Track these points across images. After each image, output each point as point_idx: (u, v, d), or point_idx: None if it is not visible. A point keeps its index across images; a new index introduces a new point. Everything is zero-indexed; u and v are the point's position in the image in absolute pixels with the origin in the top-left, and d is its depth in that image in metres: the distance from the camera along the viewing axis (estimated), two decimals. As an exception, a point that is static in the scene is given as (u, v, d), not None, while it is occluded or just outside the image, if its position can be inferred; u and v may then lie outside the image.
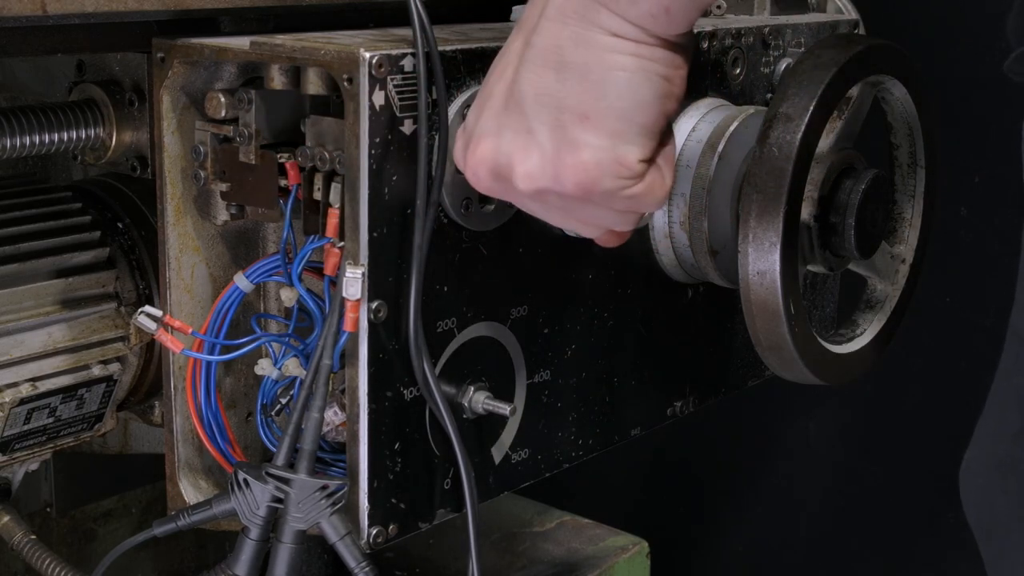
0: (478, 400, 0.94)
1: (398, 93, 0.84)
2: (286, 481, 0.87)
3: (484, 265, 0.93)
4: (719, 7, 1.16)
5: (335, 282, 0.87)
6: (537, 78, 0.75)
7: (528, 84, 0.75)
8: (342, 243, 0.87)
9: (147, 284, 1.04)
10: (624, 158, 0.75)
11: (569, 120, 0.74)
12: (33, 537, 1.06)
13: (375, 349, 0.87)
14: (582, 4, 0.73)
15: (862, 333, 1.08)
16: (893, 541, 1.67)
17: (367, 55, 0.82)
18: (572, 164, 0.75)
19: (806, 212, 0.98)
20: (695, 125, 1.03)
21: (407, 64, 0.84)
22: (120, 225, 1.05)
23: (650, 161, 0.77)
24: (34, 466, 1.06)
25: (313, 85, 0.87)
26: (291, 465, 0.89)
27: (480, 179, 0.79)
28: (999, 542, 1.02)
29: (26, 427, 0.98)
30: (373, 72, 0.82)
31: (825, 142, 0.99)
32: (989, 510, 1.03)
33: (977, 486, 1.04)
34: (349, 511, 0.89)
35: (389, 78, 0.83)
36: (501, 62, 0.79)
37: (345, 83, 0.83)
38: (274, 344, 0.94)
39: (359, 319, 0.86)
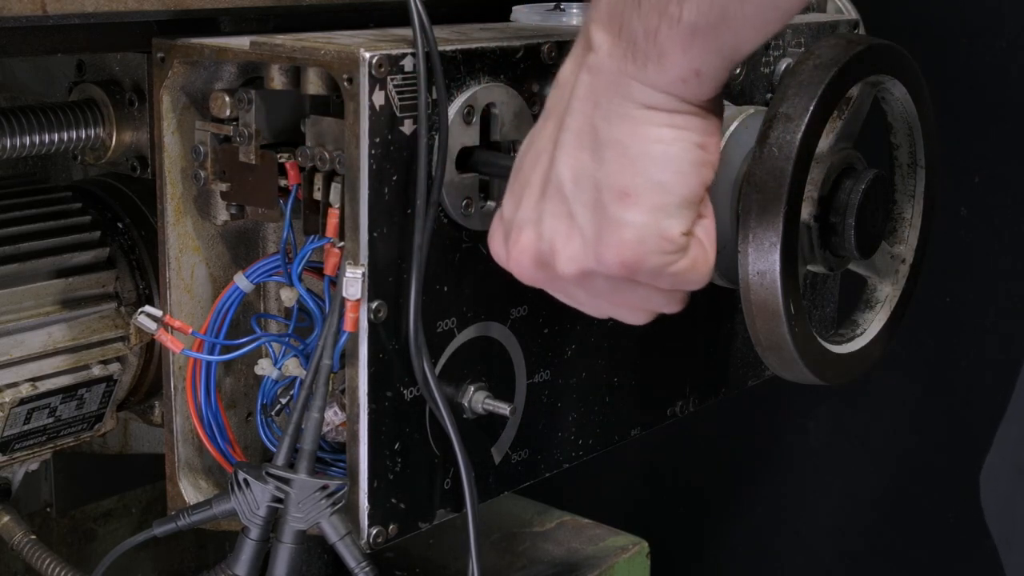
0: (478, 400, 0.94)
1: (398, 93, 0.84)
2: (286, 481, 0.87)
3: (484, 265, 0.93)
4: None
5: (335, 282, 0.87)
6: (574, 160, 0.74)
7: (565, 167, 0.74)
8: (342, 243, 0.87)
9: (147, 284, 1.04)
10: (667, 232, 0.74)
11: (609, 199, 0.73)
12: (33, 537, 1.06)
13: (375, 349, 0.87)
14: (612, 80, 0.72)
15: (862, 333, 1.08)
16: (893, 541, 1.67)
17: (367, 55, 0.82)
18: (615, 244, 0.73)
19: (806, 212, 0.98)
20: (695, 125, 1.02)
21: (407, 64, 0.84)
22: (120, 225, 1.05)
23: (691, 234, 0.75)
24: (34, 466, 1.06)
25: (313, 85, 0.87)
26: (291, 465, 0.89)
27: (524, 269, 0.78)
28: (1019, 547, 1.02)
29: (26, 427, 0.98)
30: (373, 72, 0.82)
31: (825, 142, 0.99)
32: (1010, 516, 1.03)
33: (998, 492, 1.04)
34: (349, 511, 0.89)
35: (389, 78, 0.83)
36: (534, 148, 0.77)
37: (345, 83, 0.83)
38: (274, 344, 0.94)
39: (359, 319, 0.86)
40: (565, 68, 0.76)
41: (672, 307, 0.80)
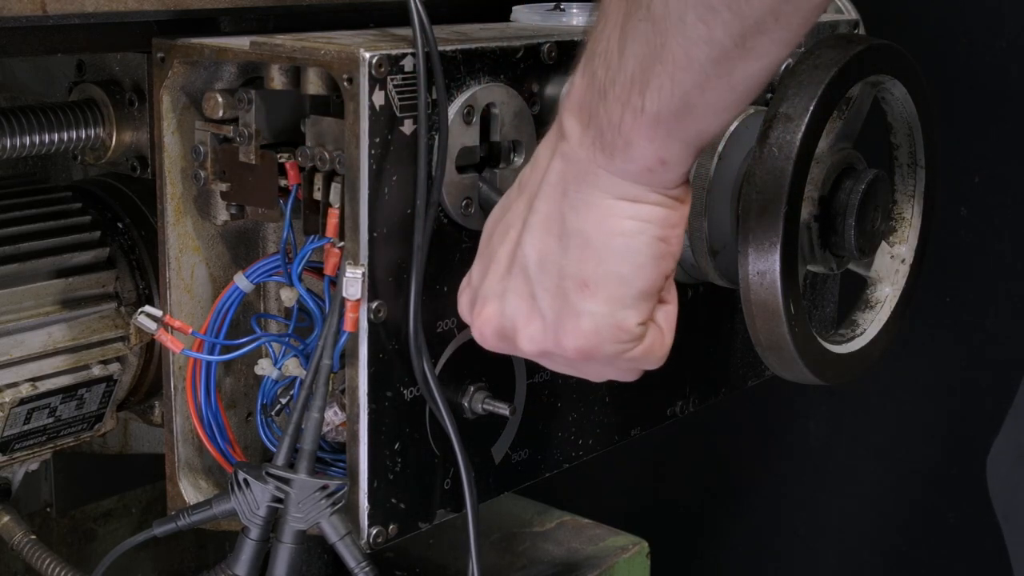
0: (478, 400, 0.94)
1: (398, 93, 0.84)
2: (286, 481, 0.87)
3: (484, 265, 0.93)
4: None
5: (335, 282, 0.87)
6: (540, 244, 0.76)
7: (532, 249, 0.76)
8: (342, 243, 0.87)
9: (147, 284, 1.04)
10: (623, 323, 0.76)
11: (570, 287, 0.75)
12: (33, 537, 1.06)
13: (375, 349, 0.87)
14: (582, 168, 0.74)
15: (862, 333, 1.08)
16: (893, 541, 1.67)
17: (367, 55, 0.82)
18: (572, 331, 0.76)
19: (806, 212, 0.98)
20: (695, 125, 1.02)
21: (407, 64, 0.84)
22: (120, 225, 1.05)
23: (649, 322, 0.78)
24: (34, 466, 1.06)
25: (313, 85, 0.87)
26: (291, 465, 0.89)
27: (486, 339, 0.81)
28: (1019, 528, 1.04)
29: (26, 427, 0.98)
30: (373, 72, 0.82)
31: (825, 142, 0.99)
32: (1012, 498, 1.04)
33: (1001, 474, 1.05)
34: (349, 511, 0.89)
35: (389, 78, 0.83)
36: (504, 222, 0.79)
37: (345, 83, 0.83)
38: (274, 344, 0.94)
39: (359, 319, 0.86)
40: (542, 149, 0.78)
41: (628, 378, 0.83)
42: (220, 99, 0.91)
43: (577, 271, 0.75)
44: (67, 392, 0.99)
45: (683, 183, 0.75)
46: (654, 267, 0.76)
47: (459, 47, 0.88)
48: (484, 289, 0.80)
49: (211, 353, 0.94)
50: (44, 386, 0.98)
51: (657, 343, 0.79)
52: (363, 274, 0.85)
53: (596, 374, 0.82)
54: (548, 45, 0.94)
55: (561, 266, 0.76)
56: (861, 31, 1.24)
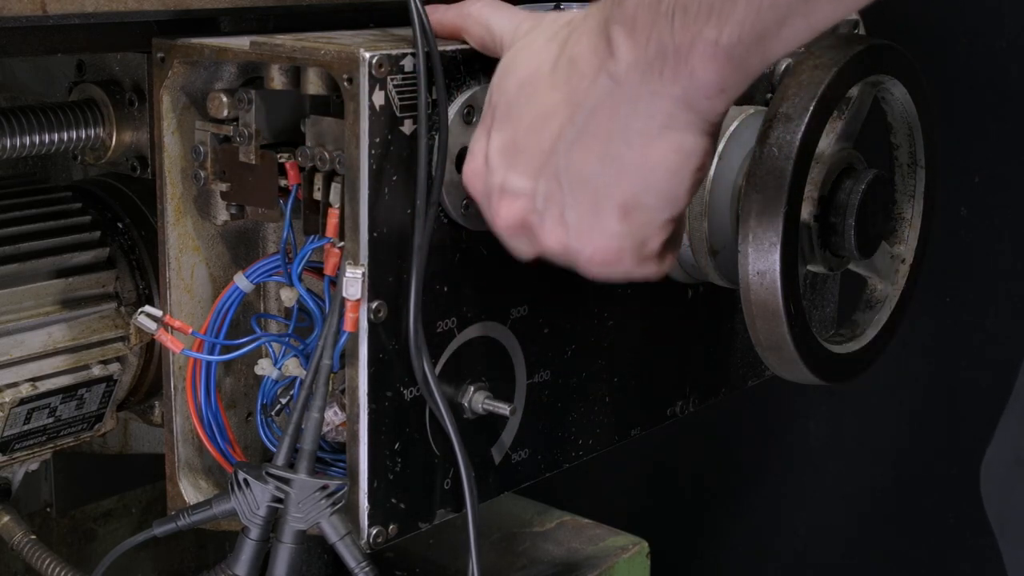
0: (478, 400, 0.94)
1: (398, 93, 0.84)
2: (286, 481, 0.87)
3: (484, 265, 0.93)
4: None
5: (335, 282, 0.87)
6: (582, 159, 0.76)
7: (570, 161, 0.77)
8: (342, 243, 0.87)
9: (147, 284, 1.04)
10: (647, 244, 0.79)
11: (606, 206, 0.77)
12: (33, 537, 1.06)
13: (375, 349, 0.87)
14: (632, 94, 0.73)
15: (862, 333, 1.08)
16: (893, 541, 1.67)
17: (367, 55, 0.82)
18: (600, 246, 0.78)
19: (806, 212, 0.98)
20: (695, 125, 1.02)
21: (407, 64, 0.84)
22: (120, 225, 1.05)
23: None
24: (34, 466, 1.06)
25: (313, 85, 0.87)
26: (291, 465, 0.89)
27: (505, 227, 0.82)
28: (1014, 534, 1.04)
29: (26, 427, 0.98)
30: (373, 72, 0.82)
31: (825, 142, 1.00)
32: (1007, 503, 1.04)
33: (996, 479, 1.05)
34: (349, 511, 0.89)
35: (389, 78, 0.83)
36: (537, 105, 0.78)
37: (345, 83, 0.83)
38: (274, 344, 0.94)
39: (359, 319, 0.86)
40: (580, 45, 0.76)
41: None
42: (225, 99, 0.91)
43: (615, 193, 0.76)
44: (67, 392, 0.99)
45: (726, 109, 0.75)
46: (687, 196, 0.77)
47: (459, 47, 0.88)
48: (514, 183, 0.80)
49: (211, 353, 0.94)
50: (44, 386, 0.98)
51: (654, 271, 0.81)
52: (363, 274, 0.85)
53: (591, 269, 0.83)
54: (548, 45, 0.94)
55: (599, 185, 0.76)
56: (861, 31, 1.24)
